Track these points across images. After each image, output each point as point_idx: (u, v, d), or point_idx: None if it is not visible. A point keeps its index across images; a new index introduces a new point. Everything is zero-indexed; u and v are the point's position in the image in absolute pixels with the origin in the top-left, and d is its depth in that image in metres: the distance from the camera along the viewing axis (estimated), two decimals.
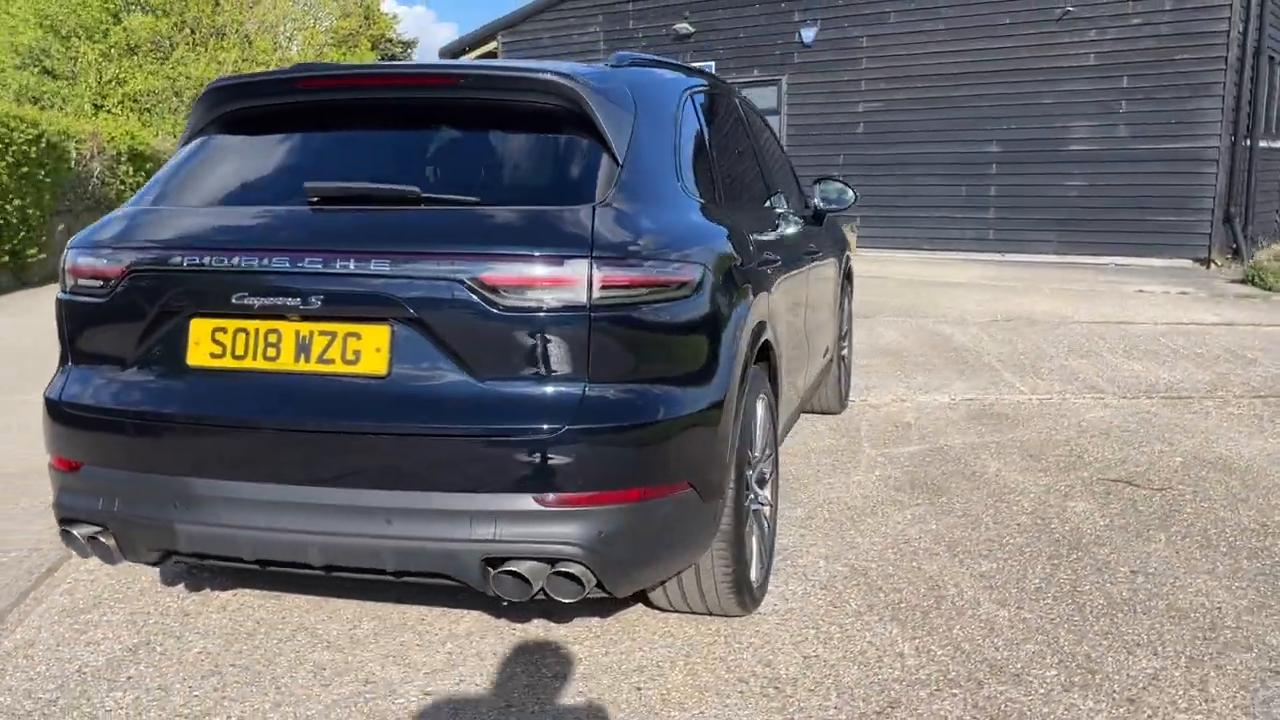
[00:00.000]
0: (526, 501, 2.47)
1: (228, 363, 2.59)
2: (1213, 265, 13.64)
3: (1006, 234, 15.56)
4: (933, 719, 2.65)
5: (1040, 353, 7.77)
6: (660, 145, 3.01)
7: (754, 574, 3.21)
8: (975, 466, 4.85)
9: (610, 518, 2.50)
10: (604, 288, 2.48)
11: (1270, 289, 11.33)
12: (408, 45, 32.22)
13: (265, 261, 2.55)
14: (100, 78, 24.11)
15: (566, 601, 2.58)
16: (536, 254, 2.47)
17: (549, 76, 2.78)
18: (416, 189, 2.59)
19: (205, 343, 2.61)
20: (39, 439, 2.95)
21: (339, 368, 2.53)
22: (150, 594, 3.43)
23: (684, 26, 17.74)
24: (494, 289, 2.45)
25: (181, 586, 3.48)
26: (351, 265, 2.49)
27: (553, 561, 2.49)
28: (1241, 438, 5.30)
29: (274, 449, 2.56)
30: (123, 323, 2.71)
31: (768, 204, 4.13)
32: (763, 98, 17.45)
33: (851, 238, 16.32)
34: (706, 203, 3.20)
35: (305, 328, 2.54)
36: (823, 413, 5.83)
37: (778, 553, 3.77)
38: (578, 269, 2.46)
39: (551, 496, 2.47)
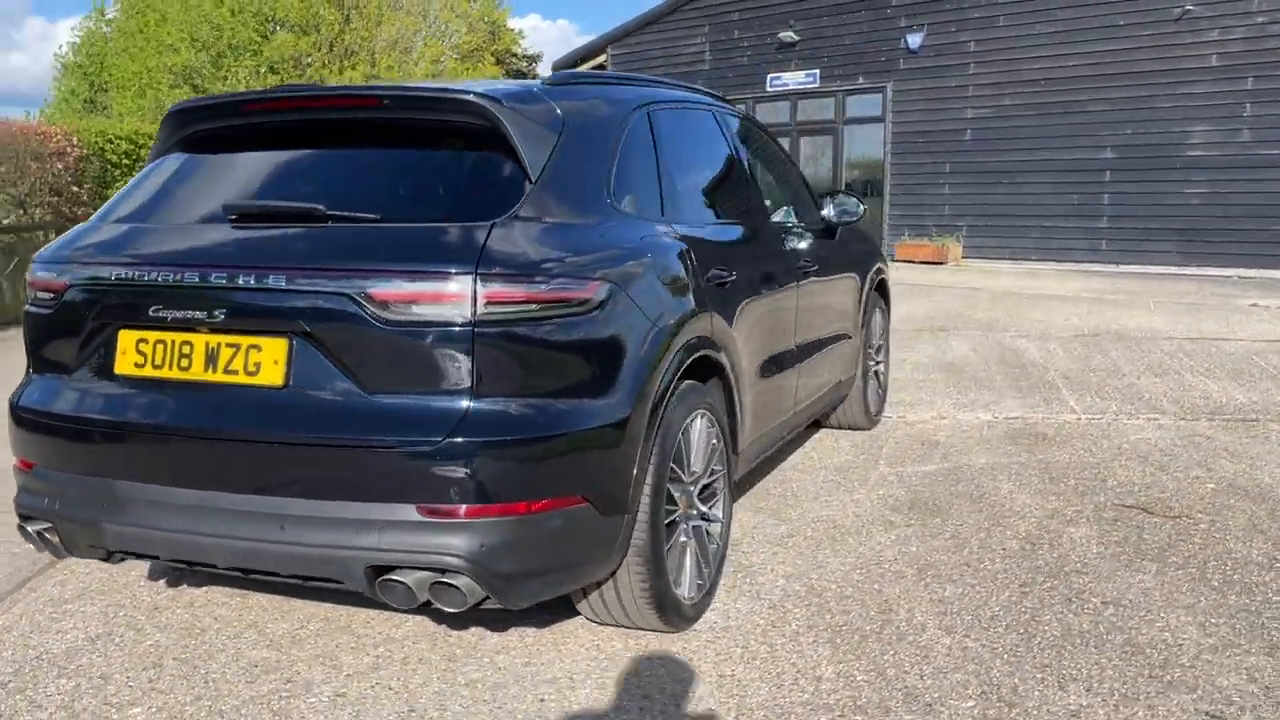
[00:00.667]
0: (409, 512, 2.54)
1: (149, 372, 2.75)
2: None
3: (1121, 244, 14.92)
4: None
5: (1113, 370, 7.44)
6: (589, 162, 3.04)
7: (686, 590, 3.20)
8: (986, 488, 4.69)
9: (493, 530, 2.55)
10: (489, 303, 2.53)
11: None
12: (532, 59, 32.94)
13: (179, 276, 2.70)
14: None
15: (452, 611, 2.65)
16: (422, 270, 2.54)
17: (466, 97, 2.85)
18: (321, 206, 2.70)
19: (130, 353, 2.78)
20: None
21: (241, 378, 2.65)
22: (131, 588, 3.64)
23: (788, 35, 17.65)
24: (382, 304, 2.53)
25: (162, 582, 3.69)
26: (252, 280, 2.62)
27: (435, 572, 2.55)
28: None
29: (185, 455, 2.70)
30: (67, 333, 2.90)
31: (753, 219, 4.10)
32: (867, 105, 17.21)
33: (957, 248, 15.95)
34: (645, 218, 3.22)
35: (214, 339, 2.68)
36: (849, 428, 5.73)
37: (739, 570, 3.74)
38: (462, 285, 2.51)
39: (433, 508, 2.53)
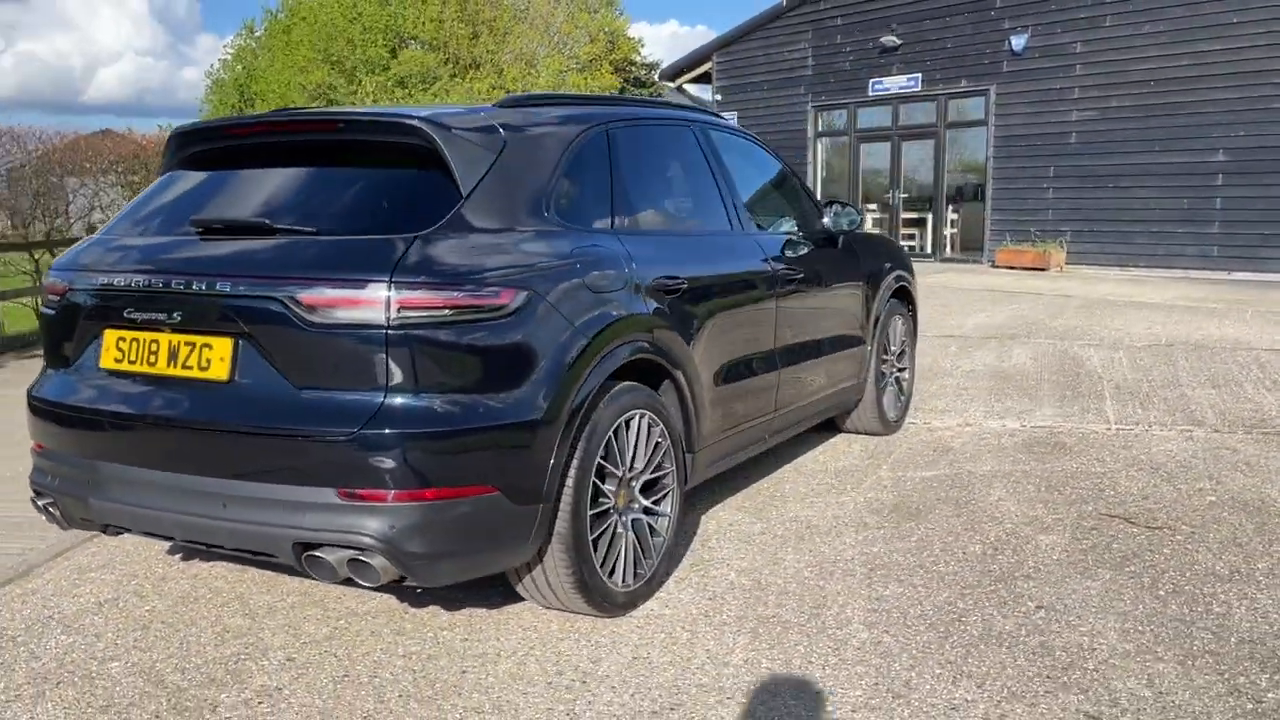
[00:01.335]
0: (330, 495, 2.84)
1: (125, 366, 3.14)
2: None
3: (1233, 250, 14.33)
4: None
5: (1170, 381, 7.26)
6: (525, 178, 3.29)
7: (621, 579, 3.41)
8: (977, 494, 4.74)
9: (403, 514, 2.83)
10: (403, 309, 2.81)
11: None
12: (650, 68, 33.29)
13: (149, 282, 3.07)
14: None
15: (369, 586, 2.94)
16: (343, 279, 2.84)
17: (409, 121, 3.15)
18: (268, 220, 3.04)
19: (112, 349, 3.17)
20: None
21: (195, 373, 3.00)
22: (147, 561, 4.07)
23: (890, 39, 17.53)
24: (309, 308, 2.84)
25: (177, 557, 4.10)
26: (204, 286, 2.96)
27: (353, 550, 2.84)
28: None
29: (151, 439, 3.07)
30: (68, 331, 3.32)
31: (721, 229, 4.27)
32: (970, 109, 16.96)
33: (1060, 254, 15.59)
34: (589, 230, 3.45)
35: (175, 338, 3.04)
36: (864, 433, 5.81)
37: (697, 564, 3.93)
38: (377, 292, 2.80)
39: (350, 492, 2.82)
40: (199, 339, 3.01)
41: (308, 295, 2.84)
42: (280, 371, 2.90)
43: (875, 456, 5.45)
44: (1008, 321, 10.43)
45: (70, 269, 3.35)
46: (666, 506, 3.67)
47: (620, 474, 3.42)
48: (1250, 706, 2.81)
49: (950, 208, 17.83)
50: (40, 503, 3.37)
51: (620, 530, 3.45)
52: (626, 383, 3.43)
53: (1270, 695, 2.87)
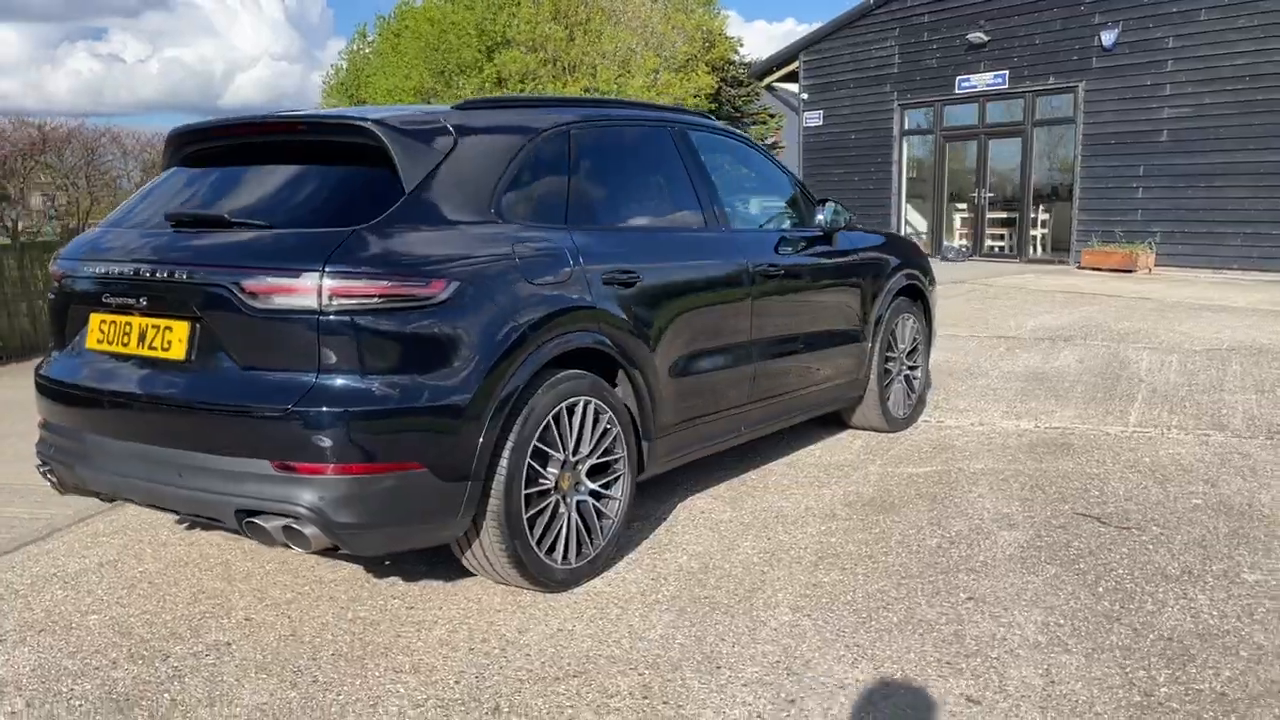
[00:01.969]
0: (266, 467, 3.10)
1: (105, 347, 3.47)
2: None
3: None
4: (598, 688, 2.95)
5: (1214, 385, 7.08)
6: (472, 176, 3.50)
7: (561, 556, 3.60)
8: (958, 491, 4.77)
9: (331, 486, 3.07)
10: (334, 296, 3.05)
11: None
12: (748, 67, 33.23)
13: (123, 270, 3.39)
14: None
15: (305, 553, 3.19)
16: (282, 268, 3.09)
17: (360, 122, 3.40)
18: (226, 214, 3.33)
19: (95, 331, 3.50)
20: None
21: (159, 353, 3.30)
22: (154, 528, 4.42)
23: (978, 36, 17.26)
24: (252, 295, 3.11)
25: (184, 525, 4.45)
26: (167, 274, 3.27)
27: (287, 518, 3.10)
28: None
29: (123, 413, 3.39)
30: (64, 315, 3.67)
31: (689, 226, 4.39)
32: (1058, 106, 16.60)
33: (1148, 256, 15.14)
34: (538, 226, 3.64)
35: (144, 321, 3.35)
36: (870, 429, 5.86)
37: (656, 547, 4.10)
38: (311, 280, 3.05)
39: (283, 464, 3.08)
40: (162, 322, 3.31)
41: (251, 283, 3.11)
42: (228, 353, 3.18)
43: (873, 452, 5.51)
44: (1071, 323, 10.22)
45: (68, 258, 3.70)
46: (617, 491, 3.84)
47: (562, 457, 3.60)
48: (1138, 699, 2.85)
49: (1038, 207, 17.44)
50: (42, 470, 3.73)
51: (563, 511, 3.63)
52: (570, 370, 3.61)
53: (1163, 690, 2.90)
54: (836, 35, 19.77)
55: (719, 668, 3.08)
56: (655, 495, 4.72)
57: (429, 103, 28.76)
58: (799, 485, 4.93)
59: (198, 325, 3.24)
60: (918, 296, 6.01)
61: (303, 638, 3.33)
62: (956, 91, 17.89)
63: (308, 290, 3.05)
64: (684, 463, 4.44)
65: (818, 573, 3.81)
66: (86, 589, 3.78)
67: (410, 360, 3.17)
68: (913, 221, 19.62)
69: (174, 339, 3.28)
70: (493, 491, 3.36)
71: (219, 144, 3.82)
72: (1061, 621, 3.35)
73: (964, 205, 18.51)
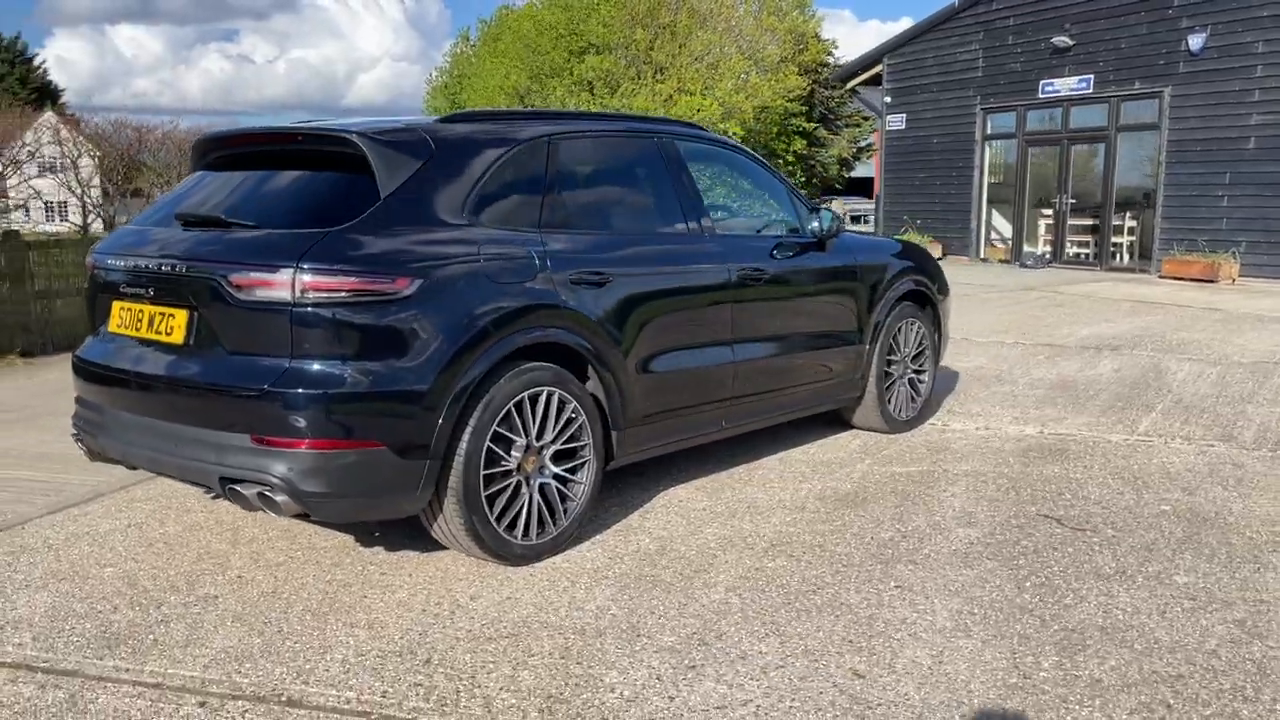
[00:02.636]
0: (246, 440, 3.51)
1: (123, 331, 3.93)
2: None
3: None
4: (523, 648, 3.27)
5: (1242, 398, 7.04)
6: (447, 183, 3.86)
7: (521, 533, 3.93)
8: (933, 491, 4.95)
9: (299, 459, 3.46)
10: (306, 290, 3.44)
11: None
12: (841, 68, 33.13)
13: (138, 264, 3.84)
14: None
15: (280, 517, 3.59)
16: (263, 264, 3.50)
17: (345, 134, 3.79)
18: (223, 215, 3.76)
19: (116, 317, 3.97)
20: None
21: (163, 337, 3.75)
22: (182, 496, 4.90)
23: (1062, 40, 17.04)
24: (237, 288, 3.52)
25: (212, 494, 4.91)
26: (171, 267, 3.71)
27: (263, 485, 3.50)
28: None
29: (134, 389, 3.84)
30: (95, 302, 4.16)
31: (666, 232, 4.66)
32: (1142, 111, 16.29)
33: (1231, 266, 14.79)
34: (509, 230, 3.97)
35: (152, 309, 3.80)
36: (870, 430, 6.05)
37: (624, 530, 4.39)
38: (286, 275, 3.44)
39: (260, 438, 3.48)
40: (166, 310, 3.75)
41: (237, 277, 3.52)
42: (218, 338, 3.60)
43: (867, 452, 5.70)
44: (1124, 332, 10.14)
45: (101, 251, 4.19)
46: (582, 476, 4.16)
47: (524, 442, 3.93)
48: (1015, 680, 3.04)
49: (1122, 214, 17.10)
50: (76, 440, 4.23)
51: (525, 491, 3.96)
52: (534, 362, 3.93)
53: (1042, 674, 3.08)
54: (920, 39, 19.68)
55: (639, 636, 3.36)
56: (639, 484, 5.02)
57: (523, 103, 29.53)
58: (782, 480, 5.16)
59: (195, 314, 3.67)
60: (925, 303, 6.16)
61: (281, 594, 3.74)
62: (1040, 96, 17.66)
63: (284, 284, 3.45)
64: (662, 453, 4.73)
65: (765, 559, 4.05)
66: (110, 546, 4.26)
67: (376, 349, 3.54)
68: (995, 226, 19.41)
69: (175, 325, 3.71)
70: (453, 470, 3.71)
71: (234, 151, 4.26)
72: (975, 611, 3.54)
73: (1047, 211, 18.25)
